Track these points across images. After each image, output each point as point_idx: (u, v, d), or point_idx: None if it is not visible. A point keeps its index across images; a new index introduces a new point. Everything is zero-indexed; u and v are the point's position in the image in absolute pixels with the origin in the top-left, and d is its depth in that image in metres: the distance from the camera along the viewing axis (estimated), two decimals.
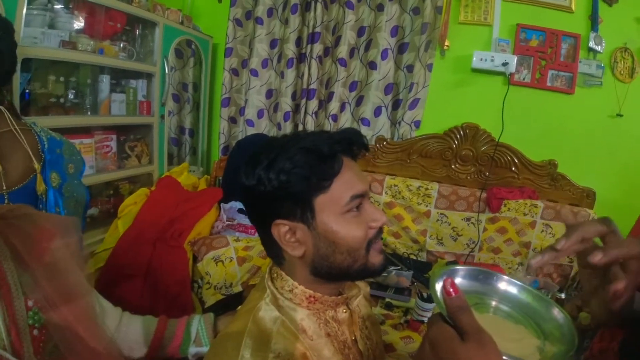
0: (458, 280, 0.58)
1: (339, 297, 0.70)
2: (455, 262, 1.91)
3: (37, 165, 0.85)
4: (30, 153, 0.85)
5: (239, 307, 1.01)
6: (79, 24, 1.57)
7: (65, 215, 0.90)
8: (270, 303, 0.66)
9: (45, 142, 0.89)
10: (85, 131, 1.69)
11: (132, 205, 1.81)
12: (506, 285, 0.59)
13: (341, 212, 0.62)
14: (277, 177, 0.60)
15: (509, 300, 0.58)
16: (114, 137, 1.87)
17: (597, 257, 0.51)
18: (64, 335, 0.57)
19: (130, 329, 0.84)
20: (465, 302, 0.46)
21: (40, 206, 0.86)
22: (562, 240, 0.53)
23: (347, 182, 0.63)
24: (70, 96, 1.60)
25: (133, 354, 0.83)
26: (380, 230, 0.66)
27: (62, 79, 1.54)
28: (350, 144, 0.65)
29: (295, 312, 0.65)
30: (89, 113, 1.71)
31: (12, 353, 0.51)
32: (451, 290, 0.47)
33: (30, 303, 0.55)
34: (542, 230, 1.90)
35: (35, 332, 0.55)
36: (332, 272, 0.65)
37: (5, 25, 0.86)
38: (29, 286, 0.56)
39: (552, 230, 1.88)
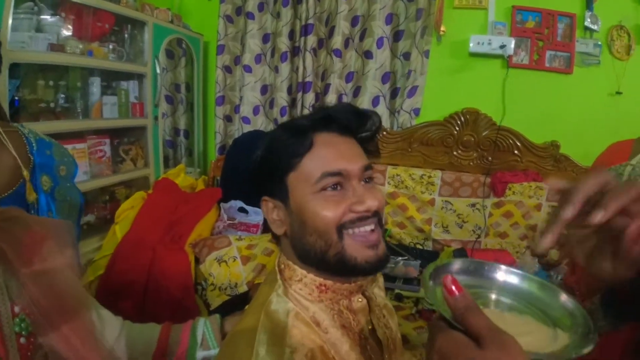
0: (459, 276, 0.52)
1: (352, 284, 0.64)
2: (462, 250, 1.88)
3: (25, 173, 0.81)
4: (18, 159, 0.81)
5: (247, 306, 0.97)
6: (66, 26, 1.52)
7: (58, 219, 0.85)
8: (282, 294, 0.61)
9: (34, 144, 0.85)
10: (78, 136, 1.64)
11: (129, 209, 1.76)
12: (505, 275, 0.53)
13: (313, 191, 0.58)
14: (261, 153, 0.63)
15: (510, 291, 0.52)
16: (107, 141, 1.82)
17: (597, 217, 0.41)
18: (54, 344, 0.54)
19: (133, 339, 0.80)
20: (472, 301, 0.40)
21: (32, 212, 0.82)
22: (569, 208, 0.42)
23: (320, 159, 0.59)
24: (61, 101, 1.55)
25: None
26: (366, 217, 0.59)
27: (51, 83, 1.49)
28: (330, 118, 0.61)
29: (307, 306, 0.61)
30: (80, 117, 1.66)
31: None
32: (454, 288, 0.40)
33: (16, 309, 0.52)
34: (549, 212, 1.87)
35: (22, 340, 0.52)
36: (309, 256, 0.60)
37: None
38: (16, 292, 0.52)
39: None
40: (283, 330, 0.57)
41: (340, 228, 0.58)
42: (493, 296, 0.53)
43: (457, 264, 0.54)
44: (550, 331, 0.47)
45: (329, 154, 0.59)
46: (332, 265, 0.59)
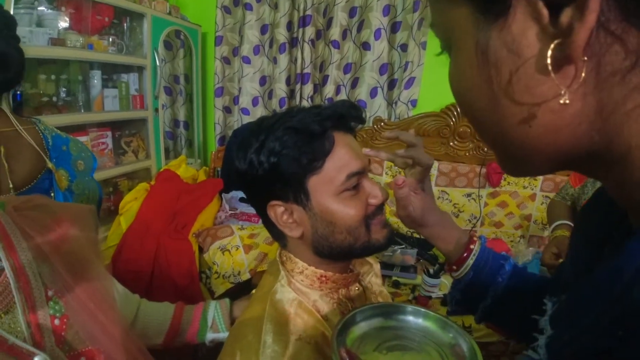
0: (359, 324, 0.56)
1: (350, 274, 0.69)
2: None
3: (50, 165, 0.84)
4: (40, 151, 0.84)
5: (253, 291, 1.02)
6: (66, 20, 1.54)
7: None
8: (286, 285, 0.65)
9: (49, 140, 0.88)
10: (80, 129, 1.67)
11: (133, 201, 1.80)
12: (408, 315, 0.59)
13: (337, 192, 0.60)
14: (268, 160, 0.58)
15: (412, 328, 0.57)
16: (109, 133, 1.85)
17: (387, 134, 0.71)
18: (85, 324, 0.57)
19: (148, 317, 0.85)
20: None
21: None
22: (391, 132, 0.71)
23: (341, 160, 0.60)
24: (62, 94, 1.57)
25: (151, 341, 0.83)
26: (380, 206, 0.64)
27: (53, 77, 1.51)
28: (342, 118, 0.61)
29: (308, 294, 0.65)
30: (82, 110, 1.68)
31: (32, 344, 0.51)
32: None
33: (50, 293, 0.55)
34: (542, 202, 1.92)
35: (56, 322, 0.54)
36: (333, 252, 0.63)
37: (6, 21, 0.82)
38: (48, 276, 0.55)
39: None
40: (287, 319, 0.61)
41: (366, 221, 0.62)
42: (398, 334, 0.57)
43: (364, 311, 0.58)
44: None
45: (346, 154, 0.60)
46: (357, 253, 0.65)
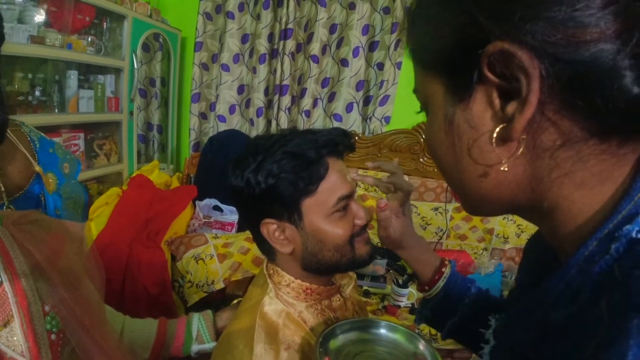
0: (338, 337, 0.63)
1: (332, 286, 0.75)
2: None
3: (38, 167, 0.82)
4: (28, 155, 0.82)
5: (234, 301, 1.04)
6: (47, 17, 1.50)
7: (65, 217, 0.88)
8: (274, 297, 0.69)
9: (36, 143, 0.86)
10: (53, 130, 1.62)
11: (104, 206, 1.76)
12: (380, 328, 0.67)
13: (328, 213, 0.65)
14: (265, 181, 0.62)
15: (384, 341, 0.65)
16: (82, 135, 1.80)
17: (370, 165, 0.77)
18: (81, 340, 0.58)
19: (133, 333, 0.85)
20: None
21: (41, 209, 0.83)
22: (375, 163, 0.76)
23: (333, 184, 0.65)
24: (37, 94, 1.52)
25: (138, 357, 0.84)
26: (364, 226, 0.70)
27: (29, 75, 1.47)
28: (336, 145, 0.66)
29: (295, 306, 0.70)
30: (56, 111, 1.63)
31: (29, 359, 0.52)
32: None
33: (47, 308, 0.54)
34: (504, 217, 2.05)
35: (53, 337, 0.54)
36: (321, 267, 0.68)
37: None
38: (45, 291, 0.55)
39: (513, 216, 2.04)
40: (276, 330, 0.65)
41: (351, 240, 0.67)
42: (370, 347, 0.65)
43: (342, 325, 0.65)
44: None
45: (338, 178, 0.66)
46: (343, 269, 0.71)
